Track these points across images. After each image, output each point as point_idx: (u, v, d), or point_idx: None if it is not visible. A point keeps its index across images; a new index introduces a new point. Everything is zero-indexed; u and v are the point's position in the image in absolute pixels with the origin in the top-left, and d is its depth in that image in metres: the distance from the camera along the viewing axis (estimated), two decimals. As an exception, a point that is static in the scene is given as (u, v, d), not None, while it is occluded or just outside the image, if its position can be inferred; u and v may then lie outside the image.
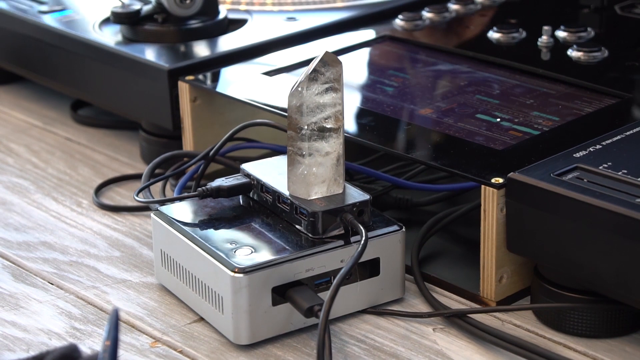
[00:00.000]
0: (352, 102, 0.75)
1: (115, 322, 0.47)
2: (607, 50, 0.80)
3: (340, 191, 0.64)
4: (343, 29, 0.89)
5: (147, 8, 0.84)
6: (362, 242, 0.61)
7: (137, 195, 0.68)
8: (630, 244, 0.56)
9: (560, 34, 0.83)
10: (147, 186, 0.71)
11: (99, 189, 0.80)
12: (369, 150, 0.73)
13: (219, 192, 0.66)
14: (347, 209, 0.63)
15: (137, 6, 0.85)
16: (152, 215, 0.66)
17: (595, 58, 0.79)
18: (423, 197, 0.75)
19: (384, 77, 0.80)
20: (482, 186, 0.62)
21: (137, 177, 0.81)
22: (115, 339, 0.47)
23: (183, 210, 0.66)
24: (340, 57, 0.82)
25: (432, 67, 0.82)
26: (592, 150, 0.63)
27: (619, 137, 0.65)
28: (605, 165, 0.61)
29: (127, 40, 0.85)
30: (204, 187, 0.66)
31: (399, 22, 0.88)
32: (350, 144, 0.67)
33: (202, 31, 0.85)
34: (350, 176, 0.75)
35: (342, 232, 0.63)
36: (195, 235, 0.63)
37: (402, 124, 0.72)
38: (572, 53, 0.80)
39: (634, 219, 0.56)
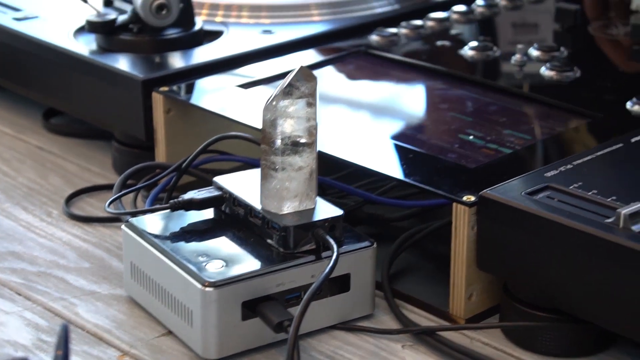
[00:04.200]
0: (326, 116, 0.75)
1: (65, 338, 0.46)
2: (579, 69, 0.80)
3: (313, 206, 0.64)
4: (319, 43, 0.89)
5: (122, 18, 0.84)
6: (334, 257, 0.61)
7: (108, 206, 0.67)
8: (599, 264, 0.57)
9: (534, 52, 0.84)
10: (119, 197, 0.71)
11: (70, 199, 0.79)
12: (342, 164, 0.73)
13: (190, 205, 0.66)
14: (319, 224, 0.63)
15: (112, 15, 0.84)
16: (122, 227, 0.66)
17: (568, 77, 0.80)
18: (395, 213, 0.75)
19: (358, 92, 0.81)
20: (454, 204, 0.63)
21: (108, 187, 0.80)
22: (65, 354, 0.46)
23: (154, 222, 0.66)
24: (315, 71, 0.83)
25: (406, 82, 0.82)
26: (563, 169, 0.64)
27: (589, 157, 0.65)
28: (576, 185, 0.62)
29: (102, 49, 0.84)
30: (176, 200, 0.66)
31: (374, 37, 0.89)
32: (323, 158, 0.67)
33: (177, 42, 0.84)
34: (323, 190, 0.75)
35: (314, 247, 0.63)
36: (165, 248, 0.63)
37: (375, 139, 0.72)
38: (545, 72, 0.80)
39: (603, 239, 0.56)
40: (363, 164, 0.68)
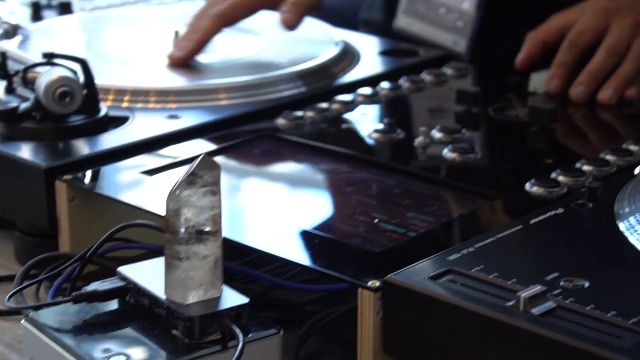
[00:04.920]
0: (231, 201, 0.75)
1: None
2: (480, 151, 0.82)
3: (218, 295, 0.64)
4: (226, 127, 0.89)
5: (25, 105, 0.83)
6: (239, 347, 0.60)
7: (8, 299, 0.66)
8: (501, 348, 0.57)
9: (436, 134, 0.86)
10: (20, 289, 0.69)
11: (-30, 292, 0.77)
12: (249, 250, 0.73)
13: (93, 297, 0.65)
14: (224, 313, 0.62)
15: (14, 103, 0.83)
16: (22, 322, 0.64)
17: (469, 159, 0.81)
18: (303, 297, 0.75)
19: (264, 176, 0.81)
20: (359, 289, 0.63)
21: (10, 278, 0.78)
22: None
23: (56, 316, 0.64)
24: (221, 156, 0.83)
25: (312, 166, 0.83)
26: (465, 252, 0.65)
27: (491, 239, 0.66)
28: (478, 268, 0.63)
29: (4, 137, 0.83)
30: (78, 292, 0.65)
31: (281, 120, 0.90)
32: (229, 244, 0.67)
33: (81, 129, 0.84)
34: (230, 276, 0.75)
35: (220, 336, 0.62)
36: (67, 342, 0.61)
37: (281, 224, 0.72)
38: (447, 154, 0.82)
39: (504, 323, 0.57)
40: (268, 249, 0.68)
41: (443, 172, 0.80)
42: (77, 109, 0.84)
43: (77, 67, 0.85)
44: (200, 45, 1.01)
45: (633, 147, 0.81)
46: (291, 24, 1.03)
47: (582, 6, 0.98)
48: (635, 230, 0.66)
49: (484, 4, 1.09)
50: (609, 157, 0.80)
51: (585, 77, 0.93)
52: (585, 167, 0.78)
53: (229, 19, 1.03)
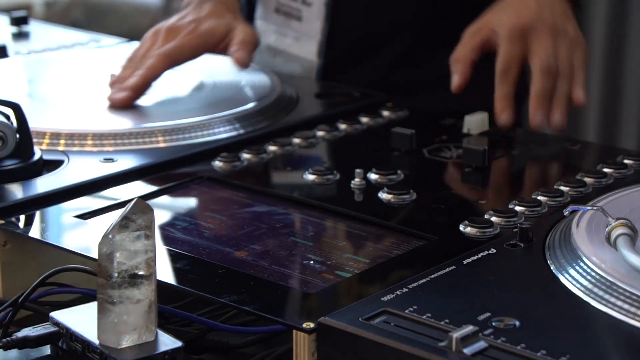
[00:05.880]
0: (166, 244, 0.75)
1: None
2: (415, 192, 0.83)
3: (152, 338, 0.63)
4: (162, 169, 0.89)
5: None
6: (173, 392, 0.60)
7: (-64, 348, 0.65)
8: (434, 388, 0.58)
9: (372, 176, 0.86)
10: (-50, 336, 0.68)
11: None
12: (184, 292, 0.73)
13: (25, 343, 0.64)
14: (158, 357, 0.62)
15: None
16: (-49, 370, 0.63)
17: (404, 200, 0.82)
18: (240, 339, 0.75)
19: (201, 219, 0.81)
20: (294, 331, 0.63)
21: (-60, 325, 0.77)
22: None
23: (-14, 363, 0.63)
24: (157, 199, 0.83)
25: (248, 208, 0.83)
26: (399, 293, 0.65)
27: (424, 280, 0.67)
28: (411, 309, 0.63)
29: None
30: (8, 338, 0.64)
31: (217, 163, 0.90)
32: (164, 287, 0.67)
33: (15, 173, 0.83)
34: (166, 319, 0.74)
35: (154, 381, 0.62)
36: (-3, 390, 0.60)
37: (217, 267, 0.72)
38: (383, 195, 0.83)
39: (437, 363, 0.58)
40: (203, 292, 0.68)
41: (378, 213, 0.80)
42: (10, 154, 0.83)
43: (10, 111, 0.84)
44: (147, 82, 1.00)
45: (564, 188, 0.83)
46: (244, 62, 1.04)
47: (494, 15, 0.98)
48: (566, 270, 0.67)
49: (325, 51, 1.11)
50: (541, 198, 0.81)
51: (537, 104, 0.95)
52: (518, 208, 0.79)
53: (175, 59, 1.02)
